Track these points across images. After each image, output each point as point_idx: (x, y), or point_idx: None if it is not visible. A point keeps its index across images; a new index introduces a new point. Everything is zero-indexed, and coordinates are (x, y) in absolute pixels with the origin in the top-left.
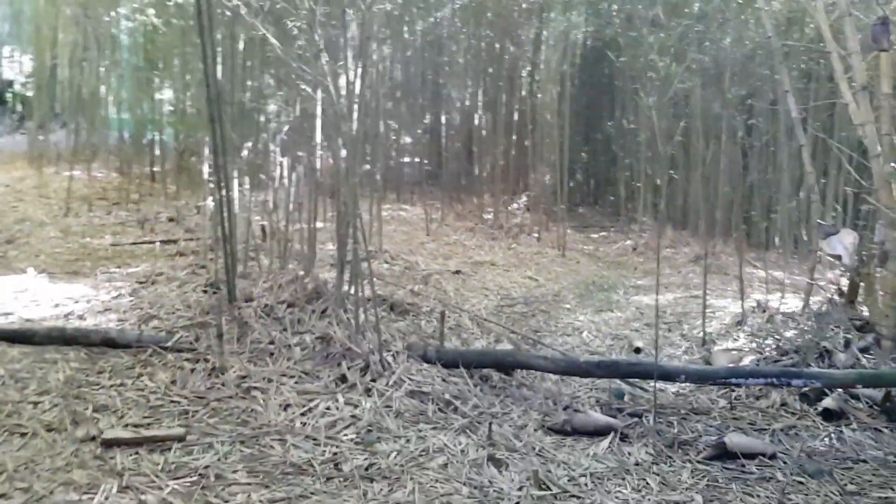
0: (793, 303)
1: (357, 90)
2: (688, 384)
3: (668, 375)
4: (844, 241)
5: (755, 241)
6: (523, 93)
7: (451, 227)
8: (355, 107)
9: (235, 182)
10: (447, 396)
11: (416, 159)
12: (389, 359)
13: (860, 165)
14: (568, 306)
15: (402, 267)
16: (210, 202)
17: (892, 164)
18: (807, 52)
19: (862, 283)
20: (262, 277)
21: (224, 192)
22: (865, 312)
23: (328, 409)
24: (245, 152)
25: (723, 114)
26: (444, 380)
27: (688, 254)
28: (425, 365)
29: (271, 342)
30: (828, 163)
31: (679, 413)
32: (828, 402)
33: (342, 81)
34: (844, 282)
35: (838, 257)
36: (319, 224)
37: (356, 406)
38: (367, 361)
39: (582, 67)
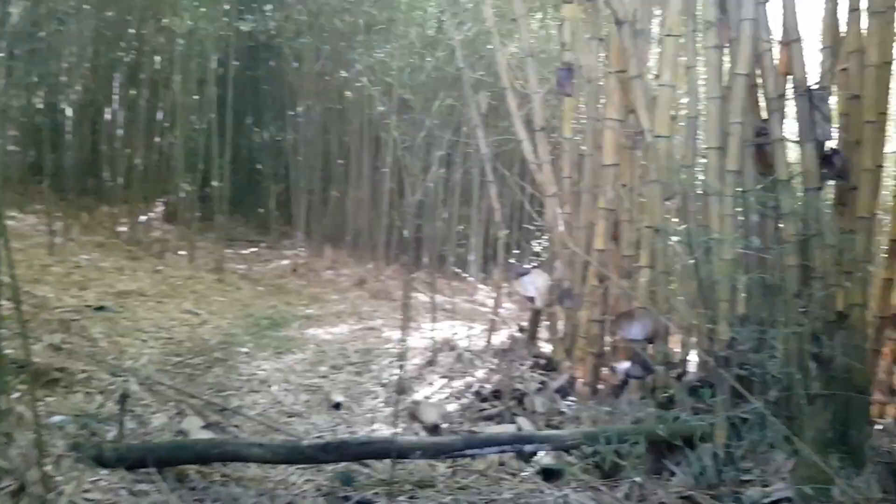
0: (477, 331)
1: None
2: None
3: (404, 453)
4: (536, 283)
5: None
6: (164, 89)
7: (78, 242)
8: None
9: None
10: None
11: (18, 147)
12: (51, 468)
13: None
14: (245, 350)
15: (31, 305)
16: None
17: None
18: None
19: (546, 320)
20: None
21: None
22: (545, 348)
23: None
24: None
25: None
26: (131, 492)
27: (350, 276)
28: (103, 471)
29: None
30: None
31: (405, 489)
32: (545, 461)
33: None
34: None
35: (531, 299)
36: None
37: None
38: (20, 480)
39: (237, 68)
